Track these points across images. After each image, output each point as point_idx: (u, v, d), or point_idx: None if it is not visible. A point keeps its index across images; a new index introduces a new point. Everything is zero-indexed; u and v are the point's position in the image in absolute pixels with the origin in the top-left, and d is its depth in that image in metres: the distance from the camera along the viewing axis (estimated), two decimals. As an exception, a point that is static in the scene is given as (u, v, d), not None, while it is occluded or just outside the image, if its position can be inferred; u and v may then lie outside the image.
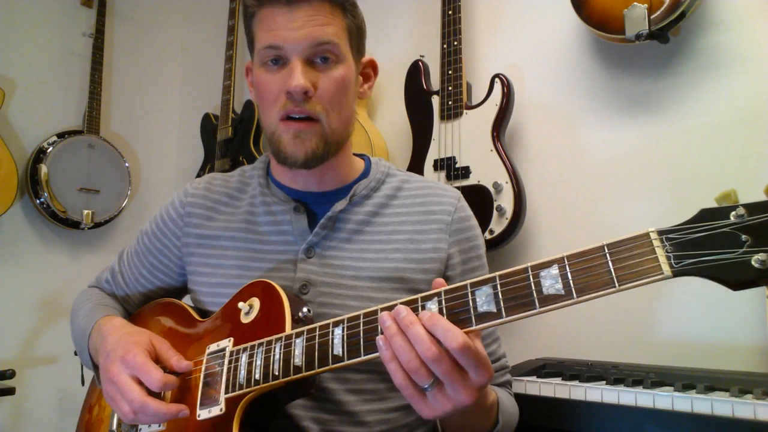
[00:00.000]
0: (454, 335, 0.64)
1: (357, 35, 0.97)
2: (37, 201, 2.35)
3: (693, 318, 1.50)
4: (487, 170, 1.73)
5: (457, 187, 1.61)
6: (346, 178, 1.02)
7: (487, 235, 1.69)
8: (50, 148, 2.37)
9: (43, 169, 2.33)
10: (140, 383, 0.82)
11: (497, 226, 1.69)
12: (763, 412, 0.96)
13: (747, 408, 0.97)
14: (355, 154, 1.07)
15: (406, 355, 0.66)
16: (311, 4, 0.89)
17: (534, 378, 1.27)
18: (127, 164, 2.61)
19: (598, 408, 1.13)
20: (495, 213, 1.69)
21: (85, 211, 2.42)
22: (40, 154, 2.37)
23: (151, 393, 0.82)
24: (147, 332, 0.93)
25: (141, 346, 0.86)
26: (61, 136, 2.44)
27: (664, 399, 1.06)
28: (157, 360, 0.87)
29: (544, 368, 1.39)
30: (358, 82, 1.01)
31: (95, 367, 0.98)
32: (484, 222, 1.70)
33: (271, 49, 0.90)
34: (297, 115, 0.90)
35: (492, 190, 1.71)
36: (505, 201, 1.69)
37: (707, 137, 1.53)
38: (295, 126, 0.91)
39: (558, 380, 1.24)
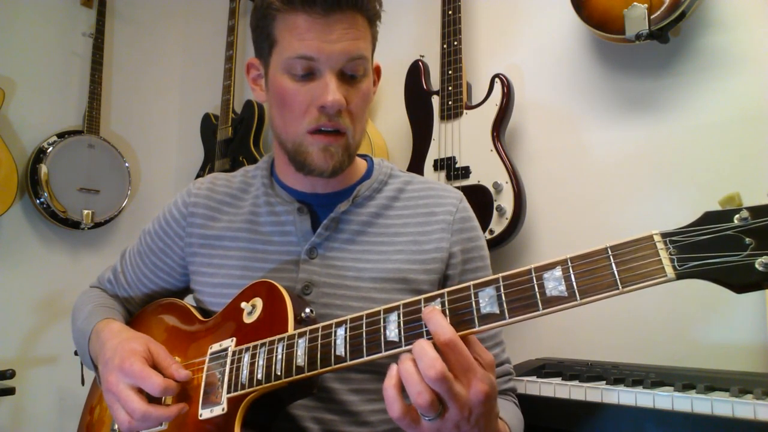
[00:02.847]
0: (443, 330, 0.63)
1: (374, 44, 0.97)
2: (37, 201, 2.35)
3: (693, 318, 1.50)
4: (487, 170, 1.73)
5: (457, 187, 1.60)
6: (349, 180, 1.03)
7: (487, 235, 1.69)
8: (50, 148, 2.37)
9: (43, 169, 2.33)
10: (140, 391, 0.82)
11: (497, 226, 1.69)
12: (763, 412, 0.95)
13: (747, 408, 0.97)
14: (357, 155, 1.07)
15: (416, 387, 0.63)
16: (346, 15, 0.86)
17: (534, 378, 1.27)
18: (127, 164, 2.61)
19: (598, 408, 1.13)
20: (495, 213, 1.69)
21: (85, 211, 2.42)
22: (40, 154, 2.37)
23: (151, 399, 0.83)
24: (144, 338, 0.90)
25: (138, 354, 0.84)
26: (61, 136, 2.44)
27: (664, 399, 1.06)
28: (155, 366, 0.85)
29: (544, 368, 1.39)
30: None
31: (97, 369, 0.98)
32: (484, 222, 1.70)
33: (303, 60, 0.86)
34: (328, 129, 0.89)
35: (492, 190, 1.71)
36: (505, 201, 1.69)
37: (707, 137, 1.53)
38: (325, 140, 0.90)
39: (558, 380, 1.23)
